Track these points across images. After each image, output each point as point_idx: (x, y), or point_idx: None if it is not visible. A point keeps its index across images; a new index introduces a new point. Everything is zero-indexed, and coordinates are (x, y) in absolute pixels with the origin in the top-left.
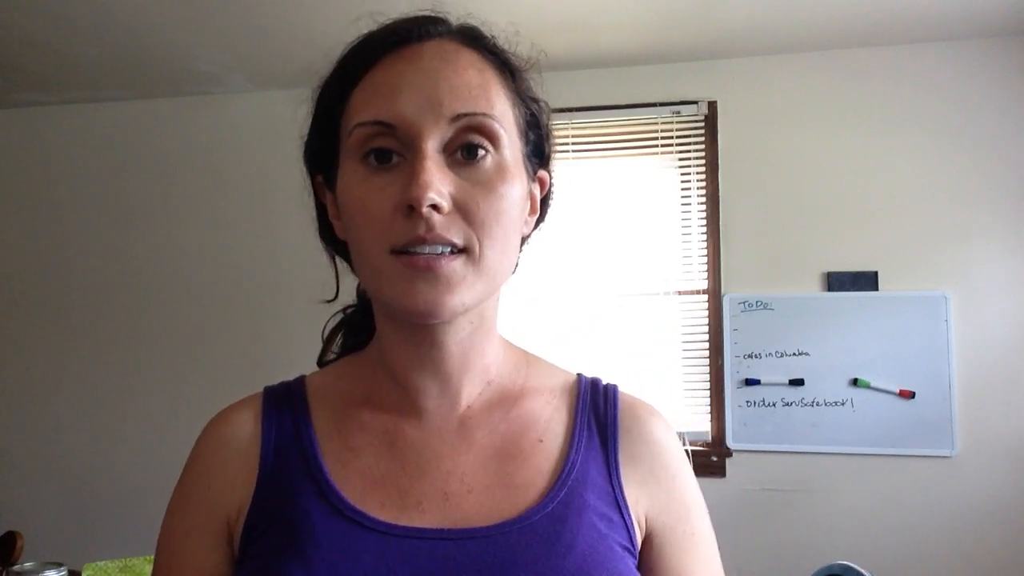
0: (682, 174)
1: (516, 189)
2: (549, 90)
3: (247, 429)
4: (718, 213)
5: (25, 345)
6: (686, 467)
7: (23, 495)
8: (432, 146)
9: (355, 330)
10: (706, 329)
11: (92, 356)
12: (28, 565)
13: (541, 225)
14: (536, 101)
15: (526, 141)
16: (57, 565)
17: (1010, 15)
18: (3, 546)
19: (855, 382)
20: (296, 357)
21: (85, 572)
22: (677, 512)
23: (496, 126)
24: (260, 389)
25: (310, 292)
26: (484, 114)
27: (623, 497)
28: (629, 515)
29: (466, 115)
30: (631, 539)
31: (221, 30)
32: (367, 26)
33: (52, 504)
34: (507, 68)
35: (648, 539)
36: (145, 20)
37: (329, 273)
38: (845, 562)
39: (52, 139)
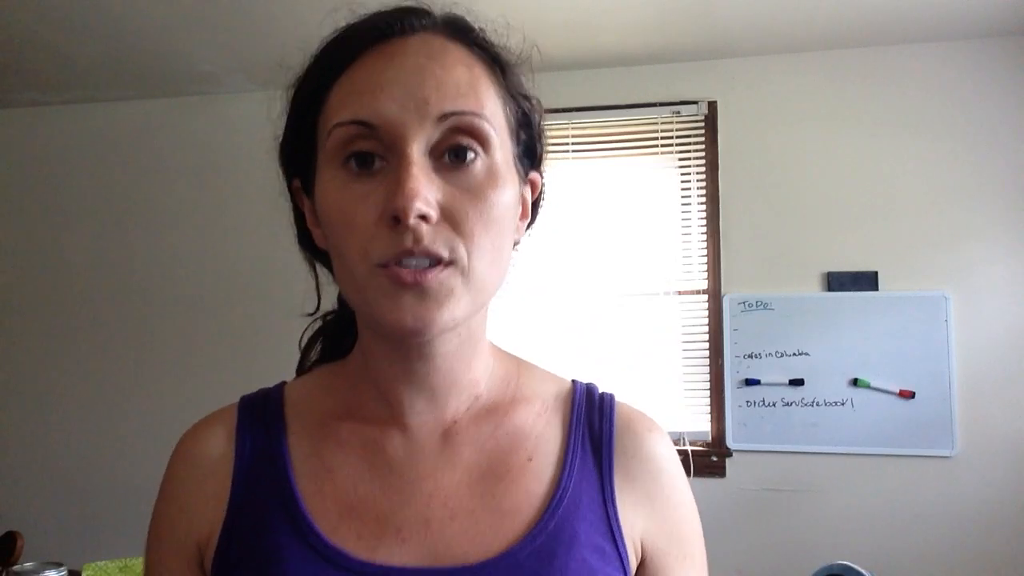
0: (682, 174)
1: (507, 194)
2: (550, 90)
3: (219, 447)
4: (718, 213)
5: (24, 345)
6: (683, 486)
7: (23, 495)
8: (417, 149)
9: (334, 338)
10: (706, 329)
11: (91, 356)
12: (28, 565)
13: (531, 229)
14: (528, 98)
15: (517, 141)
16: (57, 565)
17: (1010, 15)
18: (3, 546)
19: (855, 382)
20: (296, 357)
21: (85, 572)
22: (671, 534)
23: (486, 127)
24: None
25: (310, 292)
26: (473, 113)
27: (617, 522)
28: (623, 542)
29: (454, 114)
30: (624, 568)
31: (221, 30)
32: (345, 18)
33: (52, 504)
34: (497, 64)
35: (642, 563)
36: (145, 20)
37: (324, 275)
38: (845, 562)
39: (52, 139)
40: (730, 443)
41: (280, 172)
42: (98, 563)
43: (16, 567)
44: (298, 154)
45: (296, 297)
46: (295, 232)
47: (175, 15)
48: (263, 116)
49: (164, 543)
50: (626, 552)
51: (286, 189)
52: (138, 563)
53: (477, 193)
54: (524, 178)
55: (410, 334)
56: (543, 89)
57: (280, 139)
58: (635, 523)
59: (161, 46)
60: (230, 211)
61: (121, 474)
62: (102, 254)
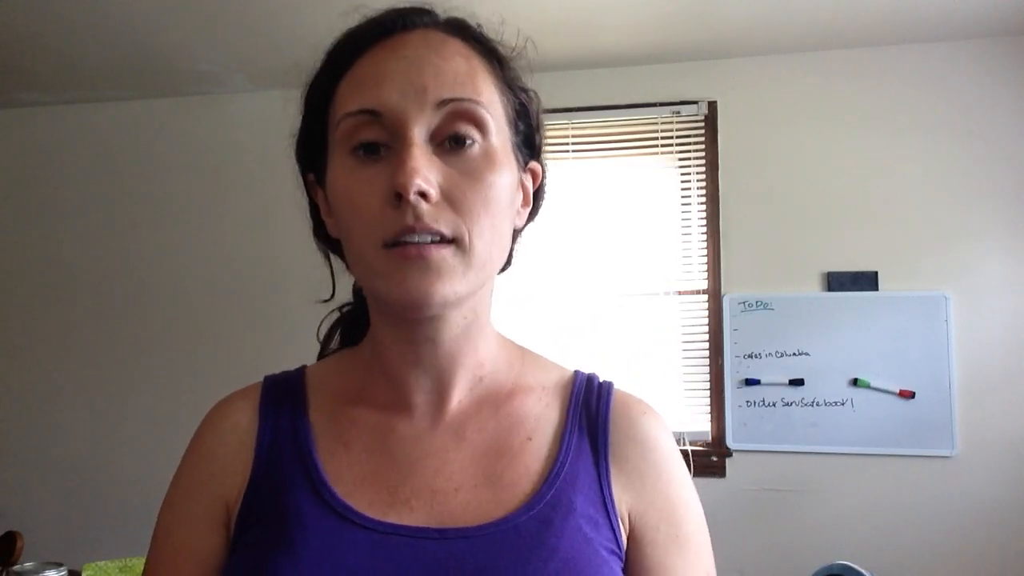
0: (682, 174)
1: (505, 178)
2: (549, 90)
3: (245, 419)
4: (718, 213)
5: (25, 345)
6: (677, 467)
7: (23, 495)
8: (418, 134)
9: (351, 329)
10: (706, 329)
11: (92, 356)
12: (28, 565)
13: (535, 219)
14: (525, 91)
15: (516, 131)
16: (57, 565)
17: (1010, 15)
18: (3, 546)
19: (855, 382)
20: (295, 357)
21: (85, 572)
22: (662, 512)
23: (483, 112)
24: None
25: (309, 292)
26: (470, 100)
27: (611, 497)
28: (615, 516)
29: (452, 100)
30: (617, 541)
31: (221, 30)
32: (355, 20)
33: (52, 504)
34: (494, 57)
35: (632, 539)
36: (145, 20)
37: (327, 272)
38: (845, 562)
39: (52, 139)
40: (730, 443)
41: (295, 169)
42: (98, 563)
43: (16, 567)
44: (312, 149)
45: (296, 297)
46: (310, 224)
47: (176, 15)
48: (263, 116)
49: (187, 507)
50: (618, 525)
51: (302, 183)
52: (138, 563)
53: (475, 175)
54: (524, 166)
55: (413, 307)
56: (543, 89)
57: (296, 136)
58: (623, 498)
59: (162, 46)
60: (230, 211)
61: (121, 474)
62: (102, 254)
